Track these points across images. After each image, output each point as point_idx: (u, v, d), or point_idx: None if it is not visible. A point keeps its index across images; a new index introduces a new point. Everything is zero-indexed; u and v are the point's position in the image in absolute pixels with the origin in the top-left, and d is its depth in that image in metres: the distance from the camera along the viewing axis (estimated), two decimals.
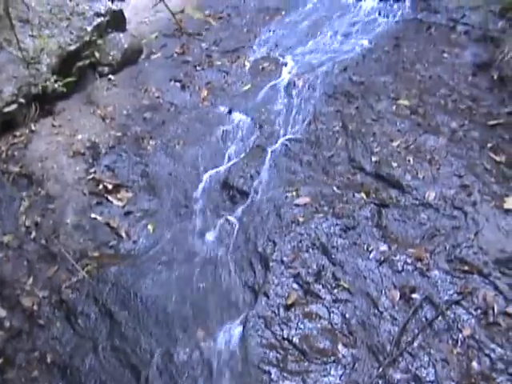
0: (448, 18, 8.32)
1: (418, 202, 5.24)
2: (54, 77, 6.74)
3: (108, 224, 5.52)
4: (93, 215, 5.61)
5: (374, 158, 5.77)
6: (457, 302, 4.35)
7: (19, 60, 6.42)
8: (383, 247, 4.85)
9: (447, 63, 7.30)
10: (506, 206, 5.02)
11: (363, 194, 5.37)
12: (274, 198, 5.45)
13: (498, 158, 5.63)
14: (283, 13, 9.59)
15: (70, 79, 6.98)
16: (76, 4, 7.96)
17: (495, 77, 6.75)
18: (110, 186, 5.88)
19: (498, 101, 6.49)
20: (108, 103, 7.18)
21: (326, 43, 8.38)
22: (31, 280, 5.07)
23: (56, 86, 6.70)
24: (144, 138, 6.52)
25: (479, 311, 4.28)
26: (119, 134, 6.62)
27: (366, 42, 8.12)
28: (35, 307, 4.87)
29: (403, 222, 5.08)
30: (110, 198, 5.79)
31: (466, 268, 4.56)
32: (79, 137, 6.54)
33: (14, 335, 4.75)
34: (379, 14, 9.08)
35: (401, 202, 5.28)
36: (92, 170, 6.10)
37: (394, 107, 6.51)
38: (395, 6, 9.09)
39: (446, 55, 7.46)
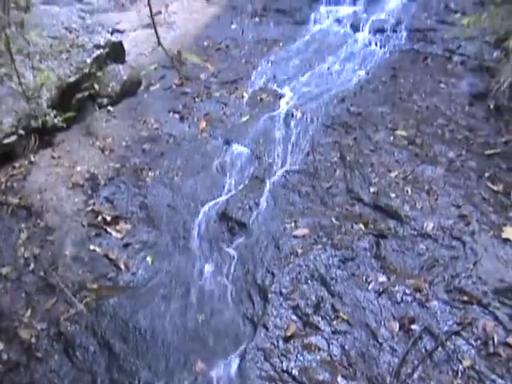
0: (444, 48, 8.40)
1: (416, 233, 5.24)
2: (54, 112, 6.78)
3: (107, 256, 5.50)
4: (92, 247, 5.59)
5: (372, 189, 5.79)
6: (456, 333, 4.33)
7: (19, 94, 6.47)
8: (382, 278, 4.83)
9: (444, 93, 7.37)
10: (505, 235, 5.02)
11: (362, 225, 5.38)
12: (272, 230, 5.46)
13: (495, 188, 5.65)
14: (281, 44, 9.70)
15: (69, 114, 7.05)
16: (76, 36, 8.07)
17: (491, 106, 6.81)
18: (108, 218, 5.88)
19: (495, 130, 6.55)
20: (107, 135, 7.22)
21: (323, 74, 8.45)
22: (29, 312, 5.03)
23: (56, 121, 6.75)
24: (143, 170, 6.54)
25: (479, 342, 4.25)
26: (118, 165, 6.64)
27: (363, 73, 8.21)
28: (33, 340, 4.82)
29: (402, 253, 5.07)
30: (108, 229, 5.78)
31: (466, 298, 4.55)
32: (78, 168, 6.55)
33: (11, 368, 4.67)
34: (376, 44, 9.17)
35: (399, 232, 5.28)
36: (91, 202, 6.10)
37: (392, 138, 6.55)
38: (392, 37, 9.20)
39: (442, 85, 7.53)
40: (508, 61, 6.74)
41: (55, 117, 6.74)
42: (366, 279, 4.85)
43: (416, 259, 5.00)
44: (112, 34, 8.93)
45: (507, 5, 7.03)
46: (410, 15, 9.43)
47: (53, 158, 6.72)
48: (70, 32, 8.15)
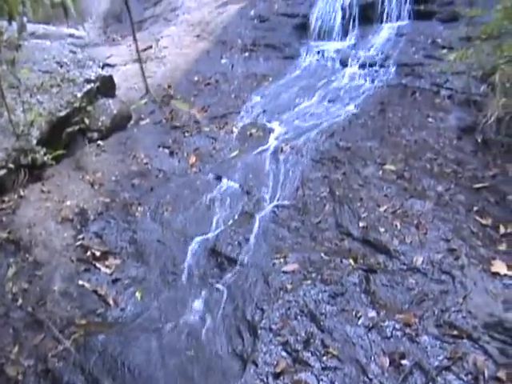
0: (432, 82, 8.47)
1: (405, 267, 5.23)
2: (44, 150, 6.83)
3: (96, 291, 5.47)
4: (80, 282, 5.56)
5: (361, 224, 5.80)
6: (447, 368, 4.29)
7: (9, 131, 6.50)
8: (372, 313, 4.81)
9: (432, 127, 7.42)
10: (494, 269, 5.02)
11: (351, 260, 5.36)
12: (262, 265, 5.44)
13: (484, 221, 5.66)
14: (270, 79, 9.78)
15: (58, 152, 7.09)
16: (67, 70, 8.12)
17: (479, 140, 6.86)
18: (98, 253, 5.86)
19: (483, 164, 6.57)
20: (97, 169, 7.23)
21: (312, 109, 8.51)
22: (17, 348, 4.97)
23: (45, 158, 6.78)
24: (132, 205, 6.54)
25: (470, 376, 4.22)
26: (108, 200, 6.63)
27: (351, 108, 8.26)
28: (20, 377, 4.75)
29: (391, 288, 5.06)
30: (97, 264, 5.76)
31: (456, 333, 4.52)
32: (68, 203, 6.55)
33: None
34: (364, 79, 9.25)
35: (389, 267, 5.27)
36: (80, 237, 6.09)
37: (381, 172, 6.57)
38: (380, 72, 9.27)
39: (430, 119, 7.59)
40: (494, 95, 6.79)
41: (45, 154, 6.79)
42: (355, 314, 4.82)
43: (406, 294, 4.98)
44: (103, 68, 8.97)
45: (492, 40, 7.11)
46: (398, 50, 9.51)
47: (42, 192, 6.72)
48: (61, 66, 8.20)
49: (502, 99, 6.61)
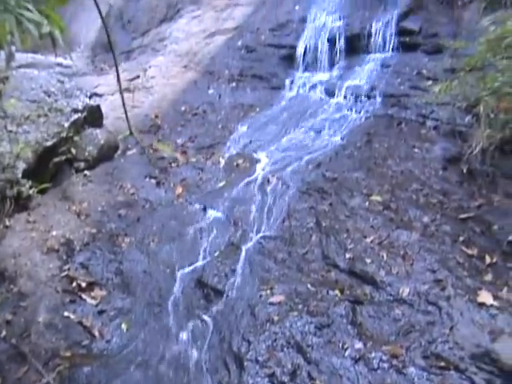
0: (417, 113, 8.52)
1: (392, 298, 5.23)
2: (29, 183, 6.83)
3: (81, 323, 5.42)
4: (66, 313, 5.50)
5: (347, 255, 5.81)
6: None
7: None
8: (358, 345, 4.79)
9: (418, 158, 7.46)
10: (480, 299, 5.03)
11: (337, 291, 5.36)
12: (248, 297, 5.42)
13: (469, 252, 5.69)
14: (257, 109, 9.84)
15: (44, 185, 7.12)
16: (54, 100, 8.12)
17: (464, 170, 6.90)
18: (83, 284, 5.82)
19: (468, 194, 6.61)
20: (83, 199, 7.21)
21: (299, 140, 8.55)
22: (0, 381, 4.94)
23: (31, 192, 6.80)
24: (119, 235, 6.52)
25: None
26: (94, 230, 6.60)
27: (338, 138, 8.31)
28: None
29: (378, 319, 5.05)
30: (83, 296, 5.71)
31: (443, 364, 4.51)
32: (54, 233, 6.51)
33: None
34: (351, 110, 9.31)
35: (375, 298, 5.27)
36: (66, 268, 6.04)
37: (367, 203, 6.59)
38: (366, 103, 9.33)
39: (416, 150, 7.63)
40: (479, 126, 6.86)
41: (30, 188, 6.79)
42: (342, 346, 4.80)
43: (392, 325, 4.97)
44: (90, 97, 8.99)
45: (476, 72, 7.19)
46: (384, 81, 9.57)
47: (28, 222, 6.69)
48: (49, 96, 8.20)
49: (487, 130, 6.68)
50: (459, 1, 10.06)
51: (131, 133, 3.05)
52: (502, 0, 8.86)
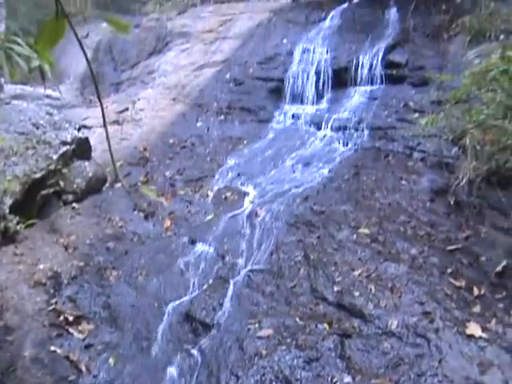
0: (405, 145, 8.58)
1: (380, 331, 5.20)
2: (17, 218, 6.84)
3: (68, 357, 5.36)
4: (52, 348, 5.45)
5: (336, 288, 5.80)
6: None
7: None
8: (347, 379, 4.77)
9: (405, 190, 7.49)
10: (469, 331, 5.02)
11: (326, 325, 5.33)
12: (236, 331, 5.39)
13: (457, 283, 5.69)
14: (245, 142, 9.88)
15: (32, 221, 7.14)
16: (43, 132, 8.12)
17: (452, 202, 6.93)
18: (70, 318, 5.78)
19: (456, 226, 6.63)
20: (71, 232, 7.18)
21: (287, 172, 8.59)
22: None
23: (18, 227, 6.80)
24: (107, 269, 6.50)
25: None
26: (82, 263, 6.57)
27: (326, 171, 8.33)
28: None
29: (367, 352, 5.02)
30: (70, 329, 5.67)
31: None
32: (41, 266, 6.47)
33: None
34: (338, 142, 9.36)
35: (364, 331, 5.25)
36: (53, 301, 6.00)
37: (355, 236, 6.60)
38: (354, 135, 9.37)
39: (404, 182, 7.66)
40: (466, 157, 6.92)
41: (18, 223, 6.78)
42: (331, 380, 4.77)
43: (381, 358, 4.94)
44: (79, 130, 9.00)
45: (461, 104, 7.28)
46: (371, 113, 9.62)
47: (15, 254, 6.65)
48: (38, 128, 8.20)
49: (473, 162, 6.73)
50: (445, 34, 10.22)
51: (117, 176, 3.03)
52: (486, 34, 9.03)
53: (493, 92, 6.63)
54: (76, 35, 2.21)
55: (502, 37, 8.61)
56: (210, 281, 6.27)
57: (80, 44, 2.28)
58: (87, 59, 2.50)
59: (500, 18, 9.18)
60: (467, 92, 7.18)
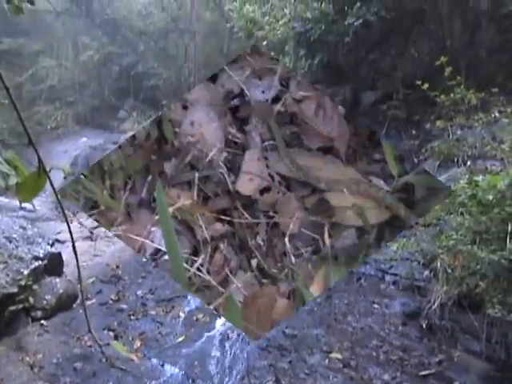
0: (376, 268, 8.62)
1: None
2: None
3: None
4: None
5: None
6: None
7: None
8: None
9: (378, 313, 7.48)
10: None
11: None
12: None
13: None
14: None
15: None
16: (15, 246, 8.09)
17: (424, 326, 6.94)
18: None
19: (428, 350, 6.62)
20: (38, 350, 7.04)
21: None
22: None
23: None
24: None
25: None
26: None
27: None
28: None
29: None
30: None
31: None
32: None
33: None
34: None
35: None
36: None
37: (327, 361, 6.55)
38: None
39: (376, 305, 7.66)
40: (437, 281, 6.99)
41: None
42: None
43: None
44: (52, 245, 8.98)
45: (432, 228, 7.44)
46: None
47: None
48: (10, 242, 8.18)
49: (444, 286, 6.80)
50: (415, 158, 10.54)
51: (89, 330, 2.99)
52: (454, 159, 9.33)
53: (461, 216, 6.79)
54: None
55: (469, 162, 8.91)
56: None
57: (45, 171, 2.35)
58: (51, 183, 2.55)
59: (467, 144, 9.52)
60: (437, 217, 7.37)
